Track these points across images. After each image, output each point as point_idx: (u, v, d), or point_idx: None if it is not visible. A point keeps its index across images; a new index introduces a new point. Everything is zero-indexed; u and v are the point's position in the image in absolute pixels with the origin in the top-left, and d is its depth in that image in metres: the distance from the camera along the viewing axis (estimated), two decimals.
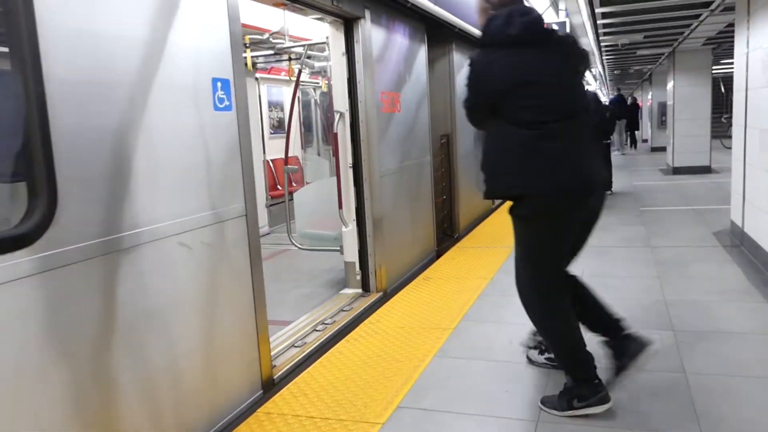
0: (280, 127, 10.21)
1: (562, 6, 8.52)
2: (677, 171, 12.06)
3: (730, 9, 7.13)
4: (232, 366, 2.94)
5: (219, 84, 2.83)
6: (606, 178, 8.90)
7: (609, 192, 9.80)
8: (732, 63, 16.94)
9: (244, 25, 5.25)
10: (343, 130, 4.83)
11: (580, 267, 5.34)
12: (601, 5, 6.38)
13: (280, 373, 3.36)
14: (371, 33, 4.82)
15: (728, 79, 23.22)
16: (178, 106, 2.59)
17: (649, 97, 20.20)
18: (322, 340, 3.92)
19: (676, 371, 3.15)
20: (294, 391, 3.17)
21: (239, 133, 3.02)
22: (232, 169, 2.97)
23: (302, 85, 10.38)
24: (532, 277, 2.85)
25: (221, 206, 2.85)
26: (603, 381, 2.73)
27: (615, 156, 17.83)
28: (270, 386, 3.21)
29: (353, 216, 4.92)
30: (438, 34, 6.80)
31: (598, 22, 7.39)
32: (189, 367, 2.64)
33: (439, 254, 6.52)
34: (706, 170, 11.93)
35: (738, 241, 5.76)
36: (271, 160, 9.30)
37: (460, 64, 7.51)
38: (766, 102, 5.02)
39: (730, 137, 17.69)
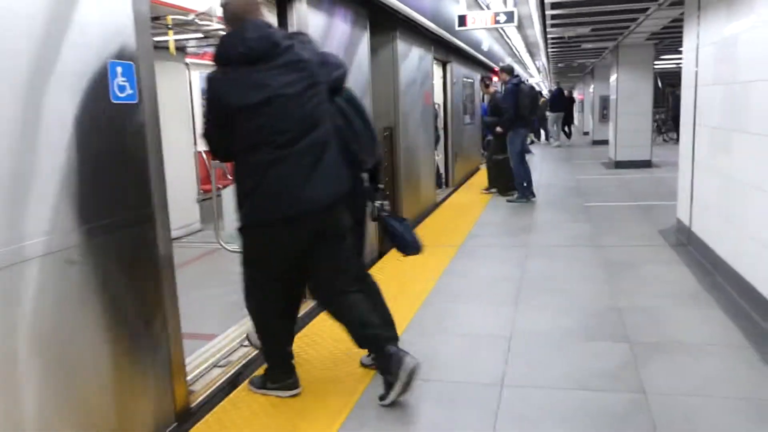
0: None
1: None
2: (619, 165, 12.10)
3: (677, 3, 7.03)
4: (136, 396, 2.51)
5: (119, 69, 2.38)
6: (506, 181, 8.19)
7: (492, 190, 9.56)
8: (672, 59, 17.28)
9: (165, 4, 4.75)
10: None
11: (526, 268, 5.19)
12: None
13: (199, 400, 2.94)
14: (308, 16, 4.41)
15: (666, 75, 23.78)
16: (62, 96, 2.13)
17: (591, 90, 20.37)
18: (249, 357, 3.52)
19: (636, 391, 2.91)
20: (212, 423, 2.77)
21: (146, 126, 2.59)
22: (136, 168, 2.53)
23: None
24: (245, 281, 2.98)
25: (120, 211, 2.41)
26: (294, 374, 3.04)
27: (553, 149, 17.95)
28: (186, 417, 2.79)
29: None
30: (381, 21, 6.43)
31: (547, 12, 7.18)
32: (79, 402, 2.21)
33: (381, 254, 6.18)
34: (647, 164, 12.02)
35: (685, 240, 5.66)
36: (205, 152, 8.74)
37: (405, 53, 7.16)
38: (716, 100, 4.88)
39: (663, 133, 18.06)
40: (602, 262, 5.27)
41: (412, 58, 7.48)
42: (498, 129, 8.98)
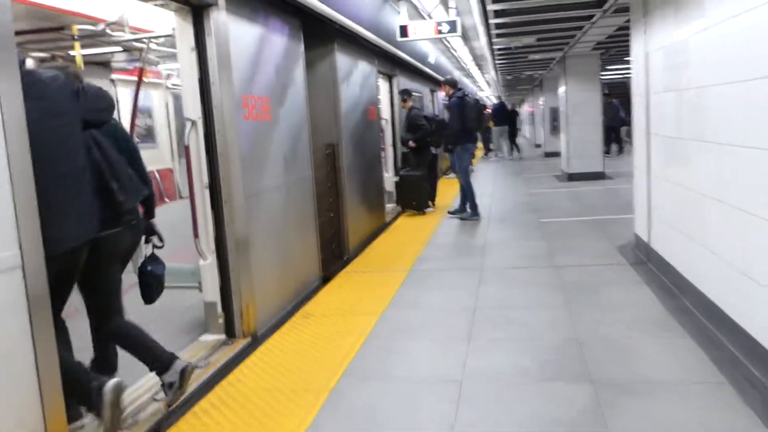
0: (149, 136, 9.06)
1: (452, 4, 7.97)
2: (572, 177, 11.93)
3: (622, 11, 6.83)
4: None
5: None
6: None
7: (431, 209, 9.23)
8: (616, 69, 17.40)
9: (71, 13, 4.23)
10: (195, 143, 3.92)
11: (479, 295, 4.79)
12: (494, 2, 5.83)
13: None
14: (228, 24, 3.95)
15: (613, 87, 24.14)
16: None
17: (541, 102, 20.40)
18: (159, 417, 3.00)
19: None
20: None
21: (8, 158, 2.09)
22: None
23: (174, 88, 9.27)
24: None
25: None
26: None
27: (507, 162, 17.83)
28: None
29: (212, 246, 4.02)
30: (318, 32, 6.01)
31: (491, 21, 6.88)
32: None
33: (326, 280, 5.72)
34: (600, 176, 11.88)
35: (644, 257, 5.37)
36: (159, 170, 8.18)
37: (346, 66, 6.75)
38: (669, 107, 4.61)
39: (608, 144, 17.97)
40: (560, 285, 4.92)
41: (353, 71, 7.08)
42: (411, 144, 8.78)
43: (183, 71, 3.88)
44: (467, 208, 8.34)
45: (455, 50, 14.74)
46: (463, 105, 8.00)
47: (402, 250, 6.68)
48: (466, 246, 6.75)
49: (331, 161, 6.49)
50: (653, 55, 4.95)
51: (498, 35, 8.08)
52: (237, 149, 4.00)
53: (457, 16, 7.75)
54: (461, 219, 8.28)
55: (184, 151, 3.91)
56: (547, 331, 3.93)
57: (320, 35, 6.13)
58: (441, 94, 11.58)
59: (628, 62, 14.73)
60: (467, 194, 8.31)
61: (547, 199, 9.88)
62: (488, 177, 13.91)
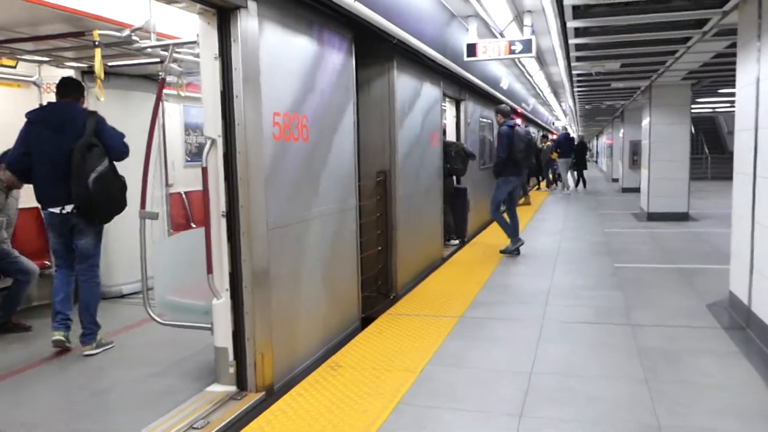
0: (199, 154, 8.78)
1: (527, 21, 7.31)
2: (652, 217, 10.90)
3: (725, 33, 5.98)
4: None
5: None
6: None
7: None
8: (707, 102, 16.16)
9: (90, 16, 3.86)
10: (214, 164, 3.43)
11: (538, 356, 4.05)
12: (575, 18, 5.14)
13: None
14: (259, 30, 3.46)
15: (697, 120, 22.65)
16: None
17: (621, 134, 19.26)
18: None
19: None
20: None
21: None
22: None
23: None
24: None
25: None
26: None
27: (571, 195, 16.81)
28: None
29: (227, 284, 3.50)
30: (375, 48, 5.49)
31: (570, 42, 6.15)
32: None
33: (367, 321, 5.11)
34: (683, 217, 10.80)
35: (742, 322, 4.49)
36: (185, 193, 7.85)
37: (406, 87, 6.19)
38: None
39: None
40: (637, 349, 4.11)
41: (414, 92, 6.51)
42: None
43: (204, 82, 3.41)
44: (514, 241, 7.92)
45: (531, 75, 14.00)
46: (511, 135, 7.55)
47: (455, 290, 5.99)
48: (528, 291, 5.98)
49: (382, 190, 5.91)
50: (766, 82, 4.13)
51: (578, 59, 7.33)
52: (261, 173, 3.48)
53: (532, 35, 7.09)
54: (509, 254, 7.85)
55: (202, 174, 3.42)
56: (618, 412, 3.16)
57: (377, 51, 5.61)
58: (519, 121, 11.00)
59: (722, 95, 13.59)
60: (502, 227, 7.91)
61: (623, 241, 8.93)
62: (558, 212, 13.00)
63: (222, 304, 3.49)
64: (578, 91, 12.37)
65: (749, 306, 4.38)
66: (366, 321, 5.11)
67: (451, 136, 9.27)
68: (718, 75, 9.76)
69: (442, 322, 4.91)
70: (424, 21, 6.43)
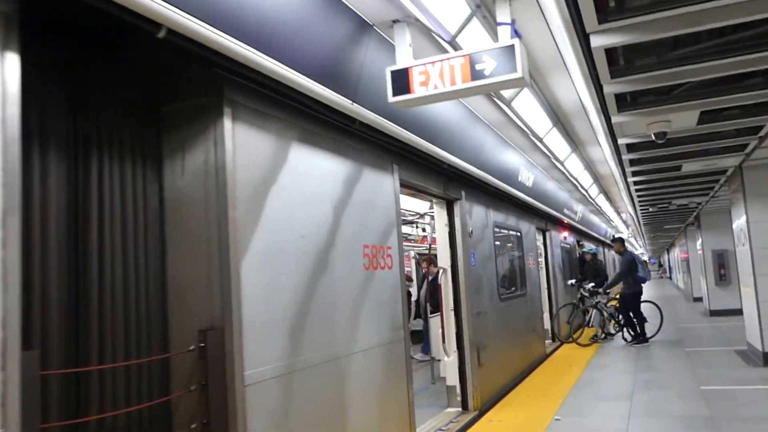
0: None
1: (502, 11, 3.07)
2: None
3: None
4: None
5: None
6: None
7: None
8: None
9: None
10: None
11: None
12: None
13: None
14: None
15: None
16: None
17: (699, 245, 15.78)
18: None
19: None
20: None
21: None
22: None
23: None
24: None
25: None
26: None
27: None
28: None
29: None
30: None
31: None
32: None
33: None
34: None
35: None
36: None
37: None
38: None
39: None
40: None
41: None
42: None
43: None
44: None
45: (560, 161, 10.32)
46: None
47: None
48: None
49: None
50: None
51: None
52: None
53: (513, 38, 3.27)
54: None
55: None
56: None
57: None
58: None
59: None
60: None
61: (738, 413, 5.64)
62: (622, 354, 9.62)
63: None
64: (636, 184, 8.86)
65: None
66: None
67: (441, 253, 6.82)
68: None
69: None
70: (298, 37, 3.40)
